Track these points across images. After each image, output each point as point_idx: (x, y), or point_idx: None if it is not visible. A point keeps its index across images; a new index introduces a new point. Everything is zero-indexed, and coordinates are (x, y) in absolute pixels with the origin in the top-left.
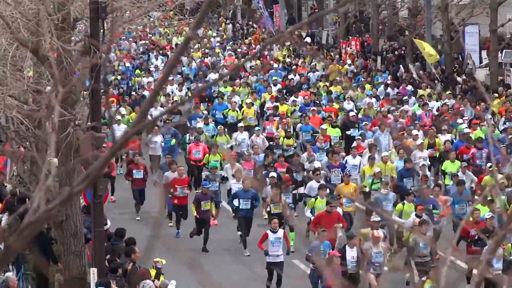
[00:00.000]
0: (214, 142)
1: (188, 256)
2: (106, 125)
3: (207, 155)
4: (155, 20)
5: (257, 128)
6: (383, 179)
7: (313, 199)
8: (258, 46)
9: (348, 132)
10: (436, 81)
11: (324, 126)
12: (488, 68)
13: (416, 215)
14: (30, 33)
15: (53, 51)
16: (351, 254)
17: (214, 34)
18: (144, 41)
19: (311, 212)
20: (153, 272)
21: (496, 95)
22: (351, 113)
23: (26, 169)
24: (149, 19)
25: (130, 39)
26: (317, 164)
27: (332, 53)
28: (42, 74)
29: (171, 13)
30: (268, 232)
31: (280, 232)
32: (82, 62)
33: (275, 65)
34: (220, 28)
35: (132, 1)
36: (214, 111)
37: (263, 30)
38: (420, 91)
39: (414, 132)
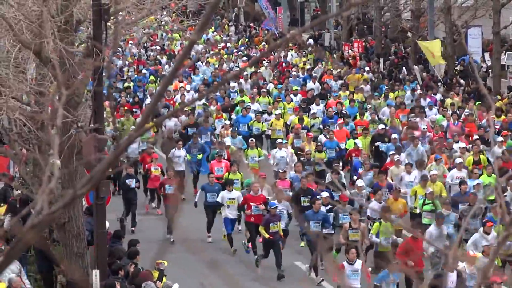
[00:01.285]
0: (245, 155)
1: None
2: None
3: (227, 173)
4: (165, 25)
5: (283, 141)
6: (436, 200)
7: (377, 223)
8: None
9: (378, 145)
10: (439, 83)
11: (358, 142)
12: (491, 70)
13: (484, 231)
14: (33, 35)
15: (56, 53)
16: (451, 279)
17: (225, 38)
18: (155, 47)
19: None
20: (155, 274)
21: (499, 97)
22: (381, 126)
23: (29, 171)
24: (160, 22)
25: (139, 44)
26: (360, 183)
27: (335, 55)
28: (44, 76)
29: (174, 15)
30: (345, 263)
31: (358, 263)
32: (85, 64)
33: (294, 73)
34: (230, 33)
35: (135, 3)
36: (237, 123)
37: (266, 32)
38: (448, 100)
39: (460, 145)
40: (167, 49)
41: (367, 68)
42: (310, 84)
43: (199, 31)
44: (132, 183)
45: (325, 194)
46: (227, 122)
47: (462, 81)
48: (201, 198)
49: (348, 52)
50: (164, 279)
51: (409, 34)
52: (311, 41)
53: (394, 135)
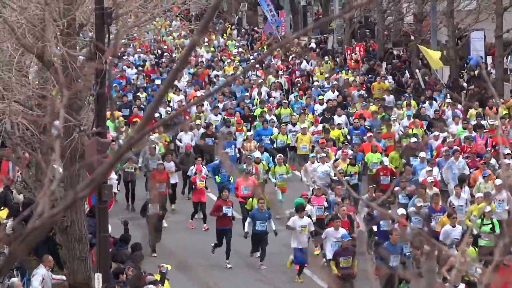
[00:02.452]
0: (272, 173)
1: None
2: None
3: (250, 199)
4: (173, 31)
5: (311, 154)
6: (495, 219)
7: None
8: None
9: (408, 160)
10: (441, 87)
11: (385, 160)
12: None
13: None
14: (35, 38)
15: (59, 56)
16: None
17: (237, 44)
18: (167, 53)
19: None
20: (157, 277)
21: (502, 100)
22: (413, 139)
23: (31, 174)
24: (169, 26)
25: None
26: (400, 211)
27: (337, 59)
28: (47, 79)
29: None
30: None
31: None
32: (87, 67)
33: (316, 83)
34: (238, 38)
35: (137, 6)
36: (258, 137)
37: (269, 35)
38: (472, 111)
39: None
40: (178, 57)
41: (389, 77)
42: (329, 94)
43: (200, 32)
44: (155, 207)
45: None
46: (249, 133)
47: (465, 84)
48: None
49: (351, 56)
50: (167, 283)
51: (411, 37)
52: (313, 45)
53: (422, 153)
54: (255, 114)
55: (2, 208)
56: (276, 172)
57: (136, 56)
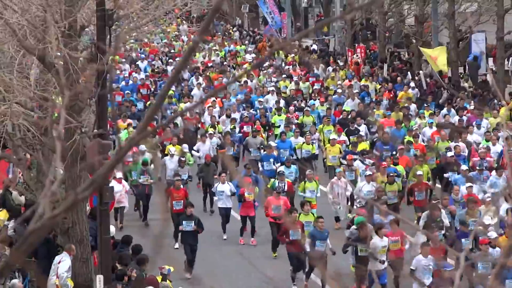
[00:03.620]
0: (301, 190)
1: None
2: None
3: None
4: (181, 35)
5: (338, 169)
6: None
7: None
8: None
9: (446, 176)
10: (442, 89)
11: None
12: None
13: None
14: (36, 40)
15: (60, 58)
16: None
17: (249, 49)
18: (179, 58)
19: None
20: (159, 279)
21: (504, 102)
22: (449, 153)
23: (32, 176)
24: (177, 30)
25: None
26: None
27: (339, 61)
28: (48, 81)
29: (178, 20)
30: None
31: None
32: (88, 69)
33: (339, 90)
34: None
35: (139, 8)
36: (277, 148)
37: (269, 37)
38: (492, 120)
39: None
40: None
41: (412, 84)
42: (349, 101)
43: (201, 34)
44: (190, 224)
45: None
46: (272, 143)
47: (466, 84)
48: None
49: (352, 58)
50: (169, 284)
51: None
52: (315, 47)
53: (464, 166)
54: (272, 121)
55: (0, 209)
56: (307, 188)
57: (145, 62)
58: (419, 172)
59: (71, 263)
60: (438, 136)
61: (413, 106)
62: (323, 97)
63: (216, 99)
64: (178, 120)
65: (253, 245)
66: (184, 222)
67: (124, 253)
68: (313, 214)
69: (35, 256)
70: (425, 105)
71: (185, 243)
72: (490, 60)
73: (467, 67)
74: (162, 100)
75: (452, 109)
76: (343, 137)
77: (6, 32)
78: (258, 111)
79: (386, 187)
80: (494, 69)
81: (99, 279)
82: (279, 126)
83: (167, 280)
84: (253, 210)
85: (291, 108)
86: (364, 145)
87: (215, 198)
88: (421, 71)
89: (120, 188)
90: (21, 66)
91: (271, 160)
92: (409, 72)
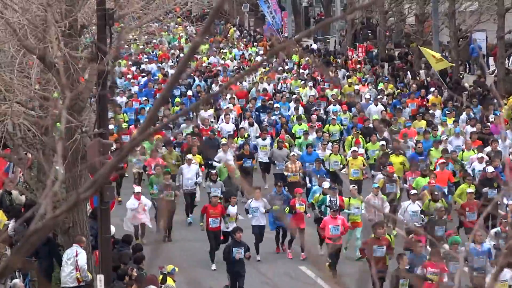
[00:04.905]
0: (347, 204)
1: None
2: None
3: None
4: (188, 37)
5: (374, 185)
6: None
7: None
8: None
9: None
10: (443, 88)
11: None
12: (493, 74)
13: None
14: (37, 40)
15: (60, 58)
16: None
17: (261, 52)
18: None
19: None
20: (159, 278)
21: (504, 101)
22: (490, 168)
23: (33, 175)
24: (185, 30)
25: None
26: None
27: (339, 60)
28: (49, 81)
29: (179, 19)
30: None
31: None
32: (89, 68)
33: (367, 96)
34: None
35: (139, 7)
36: (303, 160)
37: (270, 37)
38: None
39: None
40: (197, 64)
41: (445, 93)
42: (372, 107)
43: (203, 34)
44: (240, 252)
45: None
46: (293, 153)
47: (466, 84)
48: None
49: (352, 57)
50: (172, 282)
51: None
52: (315, 46)
53: (510, 182)
54: (292, 131)
55: None
56: (351, 204)
57: (153, 65)
58: (469, 190)
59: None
60: (459, 145)
61: (438, 112)
62: (344, 104)
63: (235, 106)
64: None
65: (303, 259)
66: (234, 249)
67: (124, 252)
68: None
69: (36, 256)
70: (447, 111)
71: (232, 271)
72: (491, 59)
73: (469, 64)
74: (163, 100)
75: (471, 113)
76: (362, 150)
77: (7, 32)
78: (278, 119)
79: (430, 205)
80: (491, 71)
81: (100, 279)
82: (299, 137)
83: (170, 279)
84: (304, 222)
85: (314, 116)
86: (401, 158)
87: (249, 215)
88: (421, 71)
89: (137, 205)
90: (21, 65)
91: (318, 175)
92: (408, 72)
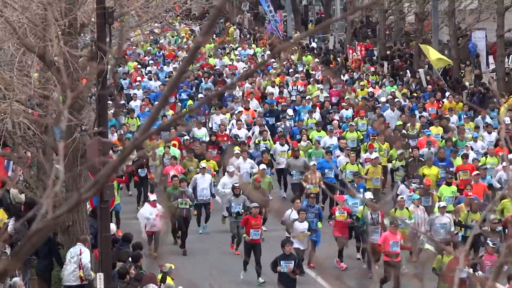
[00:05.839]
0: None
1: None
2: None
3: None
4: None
5: (414, 196)
6: None
7: None
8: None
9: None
10: (442, 87)
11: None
12: (495, 73)
13: None
14: (36, 38)
15: (60, 56)
16: None
17: (267, 52)
18: (198, 63)
19: None
20: (158, 276)
21: (504, 100)
22: None
23: (33, 174)
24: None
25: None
26: None
27: (338, 59)
28: (49, 79)
29: (179, 18)
30: None
31: None
32: (89, 67)
33: (383, 99)
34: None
35: (139, 6)
36: (320, 170)
37: (270, 35)
38: None
39: None
40: (204, 64)
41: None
42: (388, 113)
43: (205, 33)
44: (290, 265)
45: None
46: (312, 163)
47: (467, 83)
48: None
49: (352, 56)
50: (170, 281)
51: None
52: (314, 44)
53: None
54: (310, 138)
55: None
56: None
57: (159, 67)
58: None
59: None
60: (478, 151)
61: (454, 118)
62: (362, 110)
63: (247, 110)
64: (201, 132)
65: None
66: (282, 262)
67: (123, 250)
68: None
69: (36, 255)
70: (465, 115)
71: (282, 284)
72: (491, 57)
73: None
74: (165, 100)
75: (487, 117)
76: (375, 154)
77: (7, 30)
78: (293, 124)
79: (469, 216)
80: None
81: (99, 277)
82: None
83: (168, 277)
84: (347, 231)
85: (335, 122)
86: (436, 170)
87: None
88: (420, 69)
89: (153, 211)
90: (21, 64)
91: (361, 189)
92: (408, 71)
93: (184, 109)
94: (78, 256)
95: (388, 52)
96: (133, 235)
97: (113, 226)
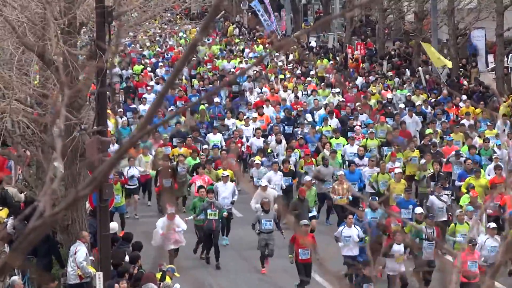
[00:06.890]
0: (449, 233)
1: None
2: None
3: None
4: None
5: (468, 208)
6: None
7: None
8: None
9: None
10: (442, 85)
11: None
12: (494, 72)
13: None
14: (36, 37)
15: (59, 55)
16: None
17: (276, 54)
18: (207, 65)
19: None
20: (158, 275)
21: (503, 99)
22: None
23: (32, 173)
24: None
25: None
26: None
27: (337, 58)
28: (48, 78)
29: (178, 18)
30: None
31: None
32: (88, 66)
33: (402, 105)
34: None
35: (138, 5)
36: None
37: (270, 34)
38: None
39: None
40: (212, 66)
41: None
42: (406, 118)
43: (202, 32)
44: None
45: None
46: (340, 173)
47: (466, 82)
48: None
49: (352, 55)
50: (169, 280)
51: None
52: (314, 43)
53: None
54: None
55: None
56: (457, 231)
57: (163, 69)
58: None
59: (87, 250)
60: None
61: (469, 122)
62: (380, 113)
63: (260, 115)
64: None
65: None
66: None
67: (122, 249)
68: None
69: (35, 254)
70: (488, 123)
71: None
72: (490, 56)
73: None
74: (162, 99)
75: (508, 122)
76: (398, 163)
77: (6, 29)
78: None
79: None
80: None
81: (99, 276)
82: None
83: (168, 278)
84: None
85: (357, 128)
86: (484, 180)
87: (340, 244)
88: (420, 68)
89: (170, 225)
90: (20, 63)
91: (410, 207)
92: (407, 69)
93: (196, 114)
94: (73, 255)
95: (392, 52)
96: (139, 237)
97: (115, 225)
